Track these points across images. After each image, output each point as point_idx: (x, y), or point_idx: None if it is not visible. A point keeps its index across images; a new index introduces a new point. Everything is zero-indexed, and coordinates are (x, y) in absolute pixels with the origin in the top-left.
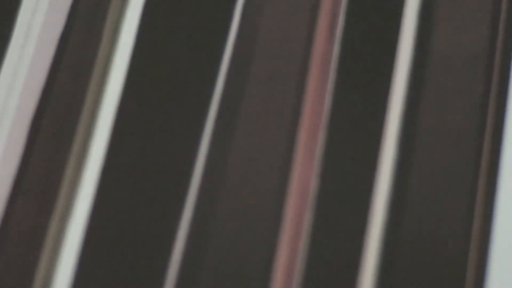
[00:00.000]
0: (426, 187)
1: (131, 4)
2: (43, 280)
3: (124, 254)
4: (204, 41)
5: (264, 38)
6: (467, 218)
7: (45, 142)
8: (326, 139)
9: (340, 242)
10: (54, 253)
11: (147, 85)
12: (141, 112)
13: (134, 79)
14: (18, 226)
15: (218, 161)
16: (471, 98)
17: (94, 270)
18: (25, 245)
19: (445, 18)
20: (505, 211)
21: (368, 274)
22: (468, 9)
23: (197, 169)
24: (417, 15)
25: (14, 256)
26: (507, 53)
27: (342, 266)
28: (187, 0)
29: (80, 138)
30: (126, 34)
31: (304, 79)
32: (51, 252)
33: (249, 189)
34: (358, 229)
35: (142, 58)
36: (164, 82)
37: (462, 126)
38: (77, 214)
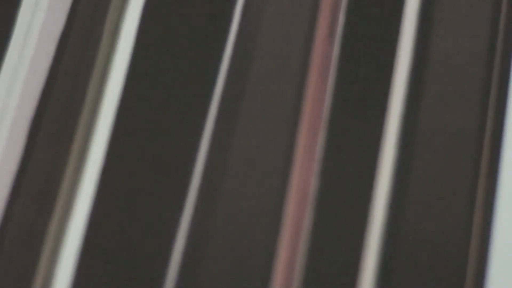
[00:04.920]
0: (426, 187)
1: (131, 4)
2: (43, 280)
3: (124, 254)
4: (204, 41)
5: (264, 38)
6: (467, 218)
7: (45, 142)
8: (326, 139)
9: (340, 242)
10: (54, 253)
11: (147, 85)
12: (141, 112)
13: (134, 79)
14: (18, 226)
15: (218, 161)
16: (471, 98)
17: (94, 270)
18: (25, 245)
19: (445, 18)
20: (505, 211)
21: (368, 274)
22: (468, 9)
23: (197, 168)
24: (417, 15)
25: (14, 256)
26: (507, 53)
27: (342, 266)
28: (187, 0)
29: (80, 138)
30: (126, 34)
31: (304, 79)
32: (51, 252)
33: (249, 189)
34: (358, 229)
35: (142, 58)
36: (164, 82)
37: (462, 126)
38: (77, 214)
